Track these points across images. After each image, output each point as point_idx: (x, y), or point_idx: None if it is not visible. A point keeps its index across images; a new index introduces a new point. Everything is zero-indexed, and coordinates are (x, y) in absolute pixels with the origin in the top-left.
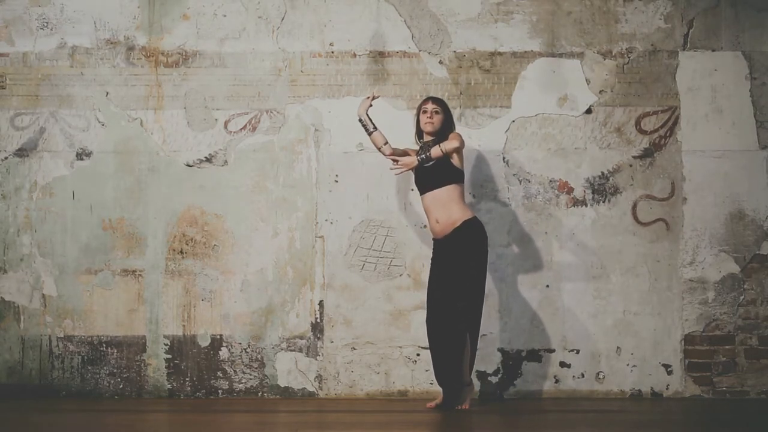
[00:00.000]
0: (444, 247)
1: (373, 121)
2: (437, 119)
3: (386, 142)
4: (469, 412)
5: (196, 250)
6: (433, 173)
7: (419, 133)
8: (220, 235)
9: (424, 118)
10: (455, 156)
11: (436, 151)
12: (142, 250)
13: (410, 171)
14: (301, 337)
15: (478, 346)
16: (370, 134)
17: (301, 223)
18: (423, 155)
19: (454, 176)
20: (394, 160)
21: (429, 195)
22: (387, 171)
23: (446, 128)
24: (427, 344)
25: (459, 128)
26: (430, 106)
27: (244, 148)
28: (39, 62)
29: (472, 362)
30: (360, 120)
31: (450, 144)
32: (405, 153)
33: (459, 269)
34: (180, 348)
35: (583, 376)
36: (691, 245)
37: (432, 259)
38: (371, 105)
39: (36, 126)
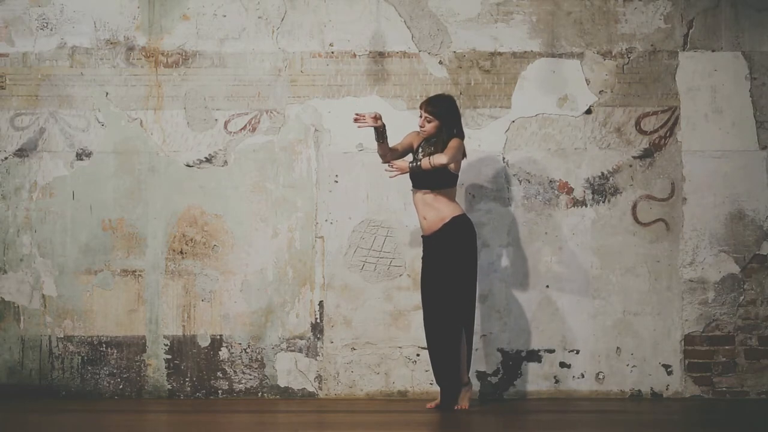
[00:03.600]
0: (433, 243)
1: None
2: (429, 127)
3: (390, 150)
4: (469, 412)
5: (196, 251)
6: (425, 175)
7: None
8: (220, 236)
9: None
10: (451, 156)
11: (425, 164)
12: (142, 251)
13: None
14: (301, 338)
15: (477, 347)
16: (380, 143)
17: (301, 223)
18: (414, 163)
19: (446, 182)
20: (390, 164)
21: (419, 193)
22: (387, 171)
23: (446, 132)
24: (425, 345)
25: None
26: (423, 112)
27: (244, 149)
28: (39, 62)
29: (468, 361)
30: (377, 129)
31: (438, 159)
32: (410, 143)
33: (448, 266)
34: (180, 348)
35: (583, 376)
36: (691, 245)
37: (423, 257)
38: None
39: (36, 126)
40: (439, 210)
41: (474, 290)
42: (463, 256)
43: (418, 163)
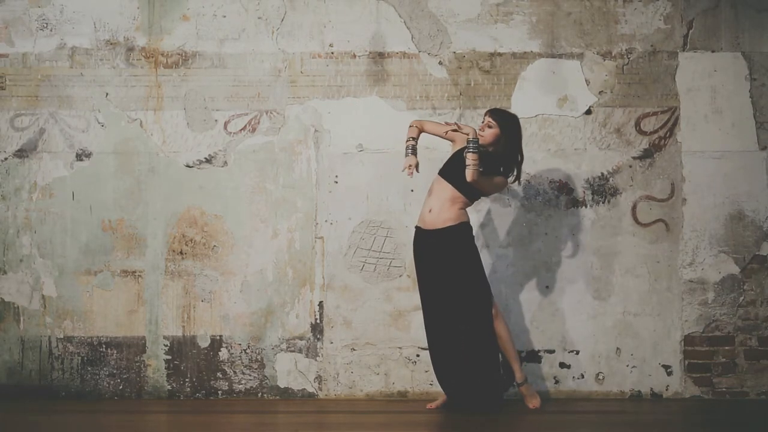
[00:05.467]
0: (432, 242)
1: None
2: (488, 134)
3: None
4: (468, 413)
5: (196, 251)
6: (460, 172)
7: None
8: (220, 236)
9: None
10: (484, 183)
11: (470, 160)
12: (142, 251)
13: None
14: (301, 338)
15: None
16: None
17: (301, 223)
18: (473, 142)
19: (470, 192)
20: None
21: (441, 182)
22: (387, 171)
23: (503, 147)
24: (425, 345)
25: None
26: (486, 118)
27: (244, 149)
28: (39, 63)
29: (516, 355)
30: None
31: (469, 176)
32: (450, 138)
33: (463, 274)
34: (180, 349)
35: (582, 376)
36: (691, 246)
37: (417, 250)
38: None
39: (36, 127)
40: (449, 210)
41: (489, 290)
42: (473, 264)
43: (473, 148)
